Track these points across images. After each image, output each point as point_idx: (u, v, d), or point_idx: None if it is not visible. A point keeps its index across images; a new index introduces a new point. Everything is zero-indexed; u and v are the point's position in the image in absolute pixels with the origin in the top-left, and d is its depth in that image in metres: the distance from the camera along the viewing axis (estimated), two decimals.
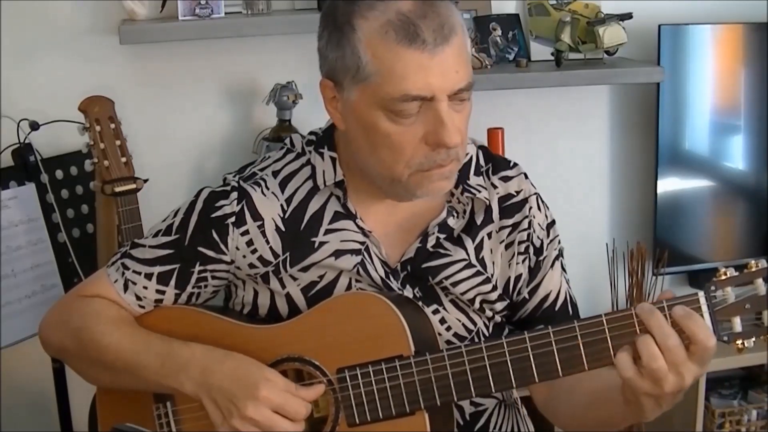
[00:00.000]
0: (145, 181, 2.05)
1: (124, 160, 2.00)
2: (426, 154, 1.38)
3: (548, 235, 1.56)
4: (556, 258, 1.57)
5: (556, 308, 1.56)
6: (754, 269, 1.29)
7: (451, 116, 1.36)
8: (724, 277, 1.30)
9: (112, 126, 1.99)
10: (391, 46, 1.32)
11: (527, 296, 1.55)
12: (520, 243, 1.54)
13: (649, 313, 1.28)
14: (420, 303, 1.48)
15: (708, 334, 1.26)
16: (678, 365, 1.26)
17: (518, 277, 1.54)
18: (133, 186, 2.02)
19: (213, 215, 1.49)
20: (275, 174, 1.52)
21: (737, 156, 2.75)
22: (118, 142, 2.00)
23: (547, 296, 1.56)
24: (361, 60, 1.34)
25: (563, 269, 1.59)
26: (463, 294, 1.50)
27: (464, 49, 1.38)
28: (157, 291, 1.51)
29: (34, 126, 2.15)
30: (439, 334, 1.48)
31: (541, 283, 1.56)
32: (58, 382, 2.19)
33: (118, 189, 2.00)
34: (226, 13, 2.36)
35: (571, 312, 1.58)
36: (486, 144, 1.68)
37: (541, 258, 1.55)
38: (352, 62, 1.35)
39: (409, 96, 1.33)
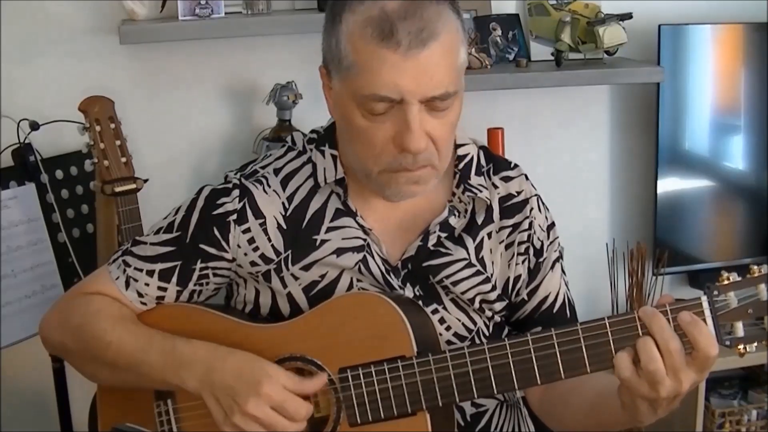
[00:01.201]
0: (145, 181, 2.05)
1: (124, 160, 2.00)
2: (393, 155, 1.38)
3: (548, 237, 1.56)
4: (556, 260, 1.57)
5: (555, 310, 1.56)
6: (756, 274, 1.28)
7: (423, 122, 1.35)
8: (726, 282, 1.29)
9: (112, 126, 1.99)
10: (367, 42, 1.33)
11: (526, 297, 1.55)
12: (520, 244, 1.54)
13: (652, 316, 1.28)
14: (420, 303, 1.48)
15: (712, 343, 1.26)
16: (677, 370, 1.26)
17: (517, 278, 1.54)
18: (133, 186, 2.02)
19: (214, 212, 1.49)
20: (277, 172, 1.52)
21: (737, 156, 2.75)
22: (118, 142, 2.00)
23: (545, 298, 1.56)
24: (342, 52, 1.36)
25: (563, 271, 1.59)
26: (463, 293, 1.50)
27: (448, 57, 1.35)
28: (159, 288, 1.51)
29: (34, 126, 2.15)
30: (440, 334, 1.48)
31: (541, 284, 1.55)
32: (58, 382, 2.19)
33: (118, 189, 1.99)
34: (226, 13, 2.36)
35: (569, 315, 1.58)
36: (486, 144, 1.68)
37: (541, 259, 1.55)
38: (336, 53, 1.37)
39: (377, 96, 1.33)
